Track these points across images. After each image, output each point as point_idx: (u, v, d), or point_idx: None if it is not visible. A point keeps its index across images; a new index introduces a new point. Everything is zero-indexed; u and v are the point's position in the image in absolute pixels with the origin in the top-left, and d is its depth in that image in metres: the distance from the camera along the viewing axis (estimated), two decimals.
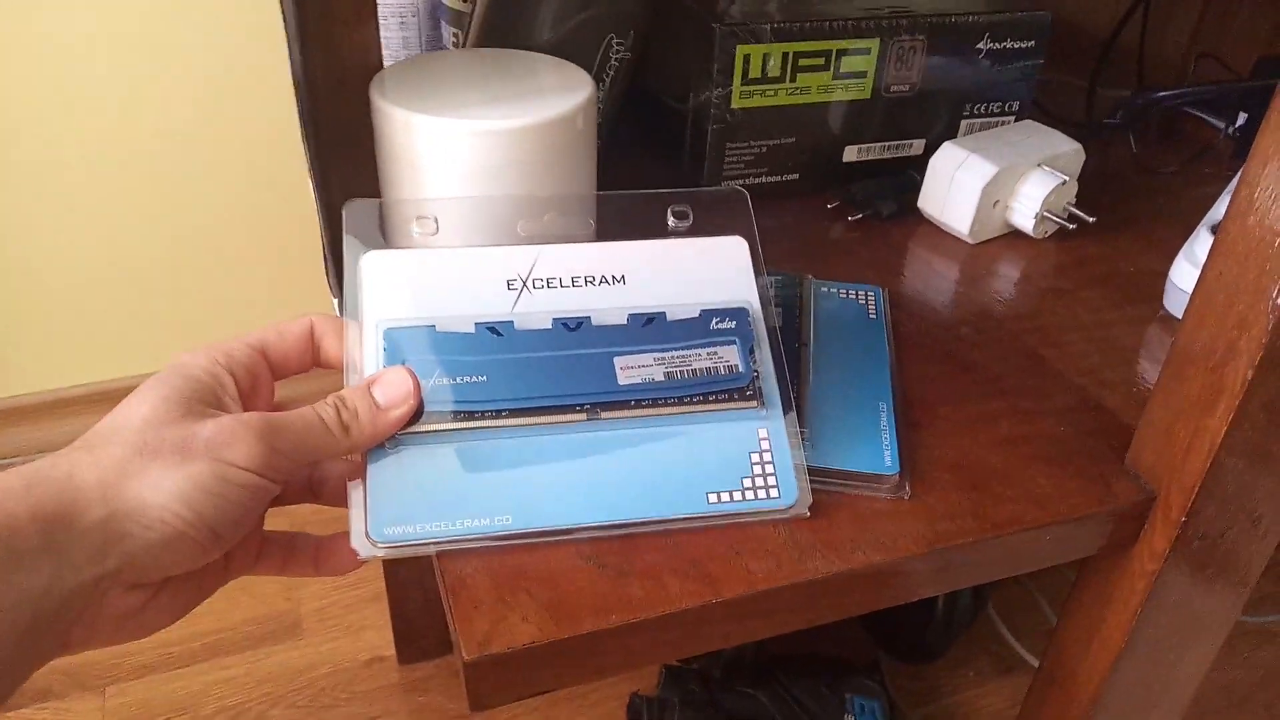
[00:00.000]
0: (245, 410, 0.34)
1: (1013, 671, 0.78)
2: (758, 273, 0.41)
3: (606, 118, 0.55)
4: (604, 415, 0.37)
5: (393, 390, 0.35)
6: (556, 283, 0.39)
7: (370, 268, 0.39)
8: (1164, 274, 0.53)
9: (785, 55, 0.56)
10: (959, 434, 0.43)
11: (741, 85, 0.56)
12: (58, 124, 0.85)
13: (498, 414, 0.36)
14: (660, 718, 0.66)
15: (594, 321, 0.39)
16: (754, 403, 0.38)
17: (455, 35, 0.64)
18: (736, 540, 0.36)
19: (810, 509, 0.37)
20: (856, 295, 0.50)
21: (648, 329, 0.39)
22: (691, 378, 0.38)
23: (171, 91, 0.86)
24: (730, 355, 0.38)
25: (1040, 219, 0.57)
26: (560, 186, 0.46)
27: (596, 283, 0.40)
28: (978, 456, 0.42)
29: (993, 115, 0.63)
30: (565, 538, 0.35)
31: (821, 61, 0.57)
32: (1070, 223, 0.58)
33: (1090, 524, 0.40)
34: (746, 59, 0.56)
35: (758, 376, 0.38)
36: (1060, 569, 0.76)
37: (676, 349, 0.38)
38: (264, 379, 0.36)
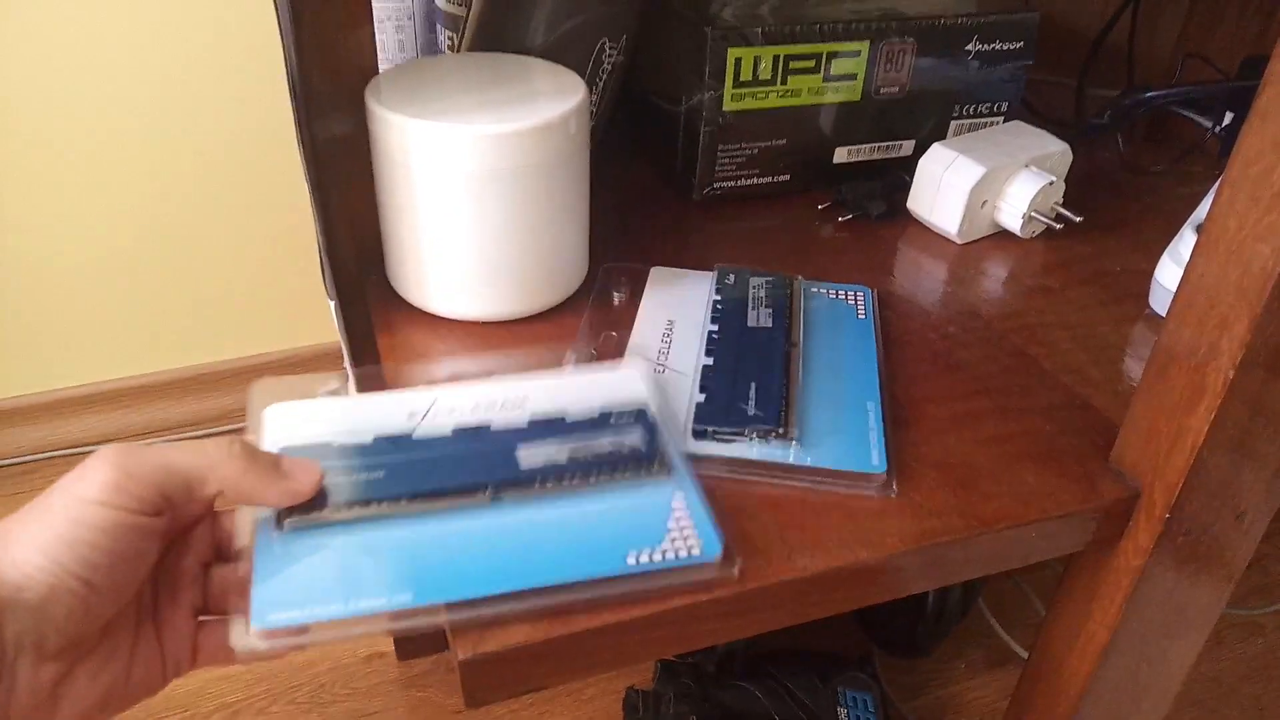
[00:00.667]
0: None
1: (1004, 665, 0.79)
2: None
3: (599, 121, 0.56)
4: (508, 495, 0.36)
5: (298, 464, 0.34)
6: (460, 410, 0.39)
7: (272, 417, 0.39)
8: (1150, 273, 0.54)
9: (776, 58, 0.57)
10: (946, 432, 0.43)
11: (733, 88, 0.57)
12: (52, 121, 0.85)
13: (395, 500, 0.35)
14: (655, 712, 0.67)
15: (494, 428, 0.39)
16: (663, 474, 0.37)
17: (450, 39, 0.64)
18: (728, 538, 0.37)
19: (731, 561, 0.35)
20: (846, 296, 0.51)
21: (549, 426, 0.39)
22: (595, 459, 0.37)
23: (167, 90, 0.87)
24: (633, 438, 0.39)
25: (1028, 219, 0.58)
26: (554, 189, 0.46)
27: (498, 407, 0.40)
28: (964, 454, 0.42)
29: (981, 116, 0.64)
30: (474, 612, 0.32)
31: (812, 64, 0.58)
32: (1057, 223, 0.58)
33: (1075, 521, 0.41)
34: (738, 62, 0.56)
35: (664, 454, 0.38)
36: (1050, 563, 0.77)
37: (578, 439, 0.38)
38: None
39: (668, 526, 0.35)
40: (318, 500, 0.34)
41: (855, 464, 0.40)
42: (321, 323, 1.02)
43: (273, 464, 0.34)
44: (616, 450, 0.38)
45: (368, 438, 0.38)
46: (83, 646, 0.30)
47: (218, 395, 1.03)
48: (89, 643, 0.30)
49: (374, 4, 0.66)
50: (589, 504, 0.36)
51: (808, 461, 0.40)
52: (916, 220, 0.61)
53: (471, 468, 0.37)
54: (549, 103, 0.45)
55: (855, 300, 0.51)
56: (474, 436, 0.38)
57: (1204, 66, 0.73)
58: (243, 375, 1.03)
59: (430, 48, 0.68)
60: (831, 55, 0.58)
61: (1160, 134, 0.75)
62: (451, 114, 0.44)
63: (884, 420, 0.43)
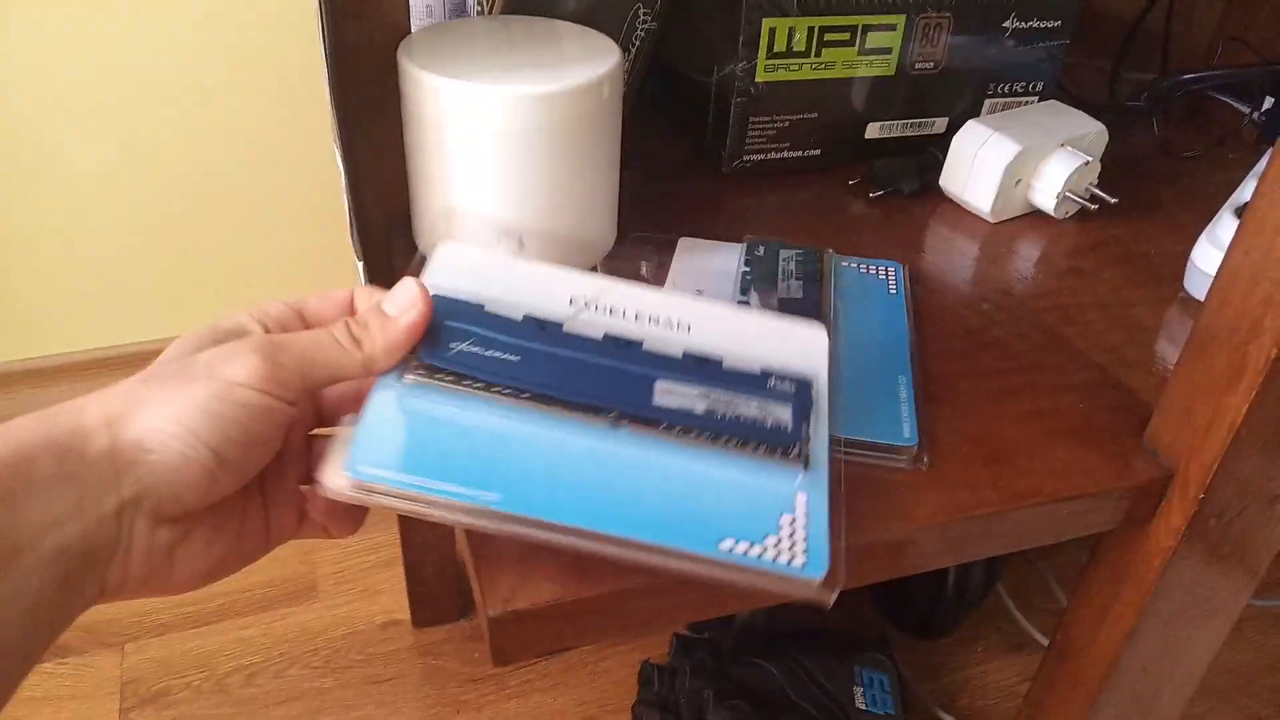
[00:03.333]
0: None
1: (1022, 649, 0.79)
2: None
3: (630, 89, 0.55)
4: (629, 427, 0.34)
5: (401, 298, 0.34)
6: (619, 313, 0.37)
7: (442, 254, 0.38)
8: (1185, 256, 0.53)
9: (811, 29, 0.56)
10: (978, 408, 0.43)
11: (766, 59, 0.56)
12: (73, 80, 0.85)
13: (519, 393, 0.34)
14: (671, 685, 0.67)
15: (645, 347, 0.36)
16: (798, 464, 0.34)
17: (479, 3, 0.64)
18: None
19: (832, 586, 0.32)
20: (877, 270, 0.51)
21: (700, 368, 0.36)
22: (734, 420, 0.35)
23: (198, 47, 0.86)
24: (782, 413, 0.35)
25: (1062, 199, 0.57)
26: (585, 154, 0.46)
27: (659, 324, 0.38)
28: (997, 430, 0.42)
29: (1017, 95, 0.63)
30: (548, 535, 0.31)
31: (847, 37, 0.57)
32: (1092, 203, 0.58)
33: (1108, 499, 0.40)
34: (772, 32, 0.55)
35: (807, 442, 0.35)
36: (1071, 550, 0.77)
37: (725, 390, 0.36)
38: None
39: (778, 524, 0.32)
40: (443, 354, 0.34)
41: (886, 436, 0.40)
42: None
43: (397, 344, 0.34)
44: (760, 419, 0.35)
45: (518, 314, 0.36)
46: (197, 517, 0.31)
47: None
48: (203, 514, 0.31)
49: None
50: (706, 466, 0.33)
51: (839, 432, 0.40)
52: (949, 198, 0.60)
53: (605, 386, 0.35)
54: (582, 66, 0.44)
55: (886, 275, 0.50)
56: (621, 351, 0.36)
57: (1243, 50, 0.71)
58: None
59: (459, 12, 0.68)
60: (867, 28, 0.57)
61: (1197, 118, 0.74)
62: (485, 74, 0.43)
63: (915, 394, 0.42)
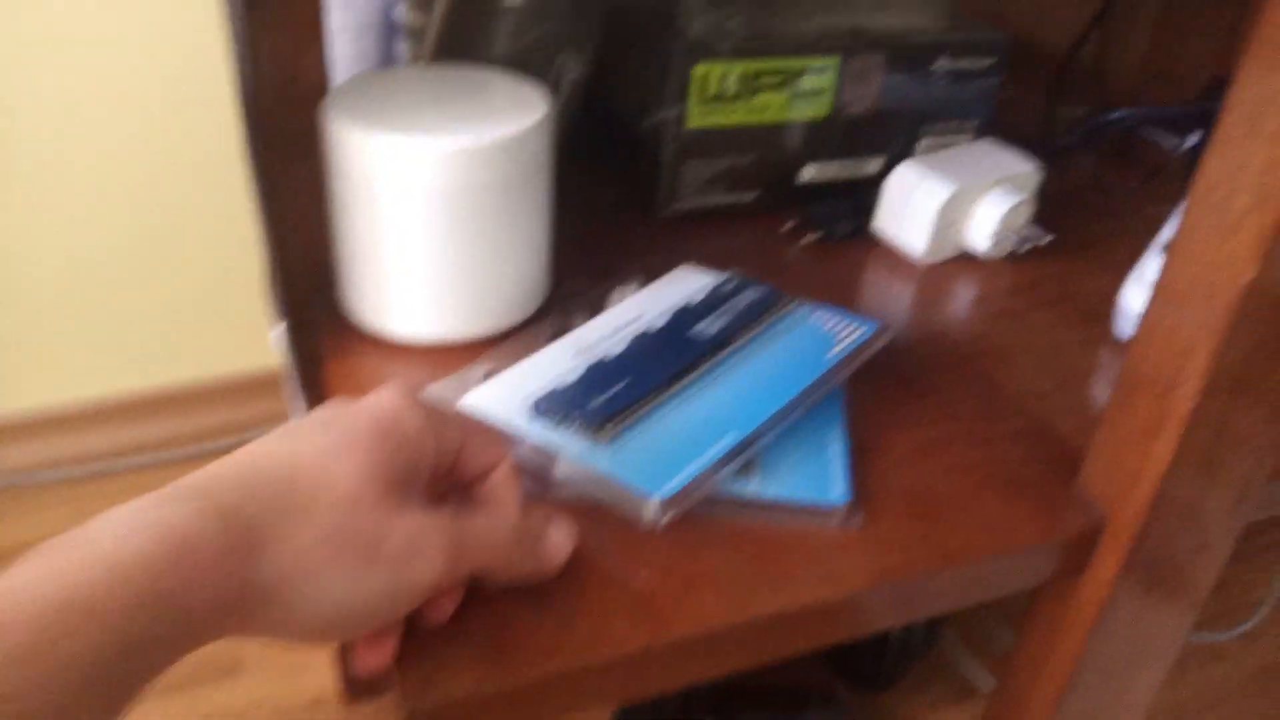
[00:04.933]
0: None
1: (972, 695, 0.78)
2: None
3: (561, 135, 0.54)
4: (711, 361, 0.44)
5: (565, 532, 0.35)
6: (626, 326, 0.46)
7: (485, 403, 0.41)
8: (1117, 295, 0.53)
9: (743, 73, 0.56)
10: (911, 460, 0.43)
11: (699, 104, 0.56)
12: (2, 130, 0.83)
13: (659, 388, 0.42)
14: None
15: (657, 329, 0.46)
16: (793, 305, 0.48)
17: (410, 50, 0.63)
18: (687, 576, 0.36)
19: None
20: (836, 324, 0.48)
21: (687, 312, 0.47)
22: (742, 314, 0.47)
23: (116, 101, 0.85)
24: (751, 293, 0.49)
25: (996, 239, 0.57)
26: (515, 206, 0.45)
27: (645, 319, 0.47)
28: (929, 484, 0.41)
29: (951, 134, 0.63)
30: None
31: (780, 80, 0.57)
32: (1026, 242, 0.58)
33: (1041, 552, 0.40)
34: (704, 76, 0.55)
35: (778, 293, 0.49)
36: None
37: (718, 307, 0.48)
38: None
39: (834, 333, 0.46)
40: (608, 415, 0.40)
41: (817, 495, 0.39)
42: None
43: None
44: (751, 303, 0.48)
45: (583, 363, 0.43)
46: None
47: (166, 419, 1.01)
48: None
49: (333, 14, 0.65)
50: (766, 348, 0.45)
51: (768, 494, 0.39)
52: (884, 240, 0.60)
53: (682, 350, 0.44)
54: (512, 117, 0.44)
55: (849, 332, 0.47)
56: (662, 335, 0.45)
57: (1170, 86, 0.73)
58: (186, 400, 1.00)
59: (389, 59, 0.67)
60: (800, 71, 0.57)
61: (1131, 152, 0.75)
62: (410, 128, 0.42)
63: (848, 449, 0.42)
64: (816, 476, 0.40)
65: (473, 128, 0.43)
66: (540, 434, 0.39)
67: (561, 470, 0.39)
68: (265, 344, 1.01)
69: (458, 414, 0.34)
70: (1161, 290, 0.37)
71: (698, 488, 0.37)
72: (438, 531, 0.29)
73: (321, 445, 0.29)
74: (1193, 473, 0.38)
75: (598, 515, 0.38)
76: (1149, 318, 0.37)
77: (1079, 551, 0.41)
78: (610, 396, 0.41)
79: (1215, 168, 0.34)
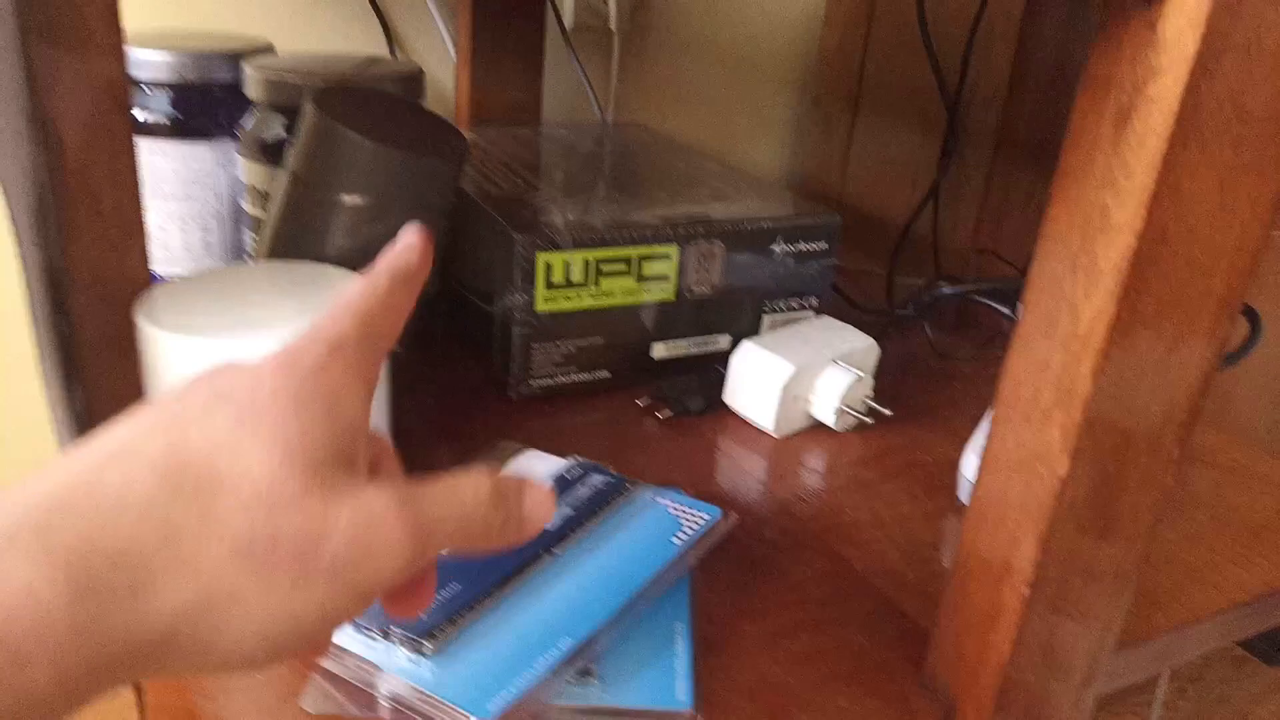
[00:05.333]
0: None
1: None
2: None
3: (407, 325, 0.54)
4: (555, 552, 0.43)
5: (540, 496, 0.27)
6: None
7: None
8: (958, 463, 0.55)
9: (587, 262, 0.57)
10: (758, 653, 0.42)
11: (545, 290, 0.57)
12: None
13: (486, 594, 0.40)
14: None
15: None
16: (636, 491, 0.48)
17: (255, 241, 0.62)
18: None
19: None
20: (683, 512, 0.47)
21: None
22: (586, 503, 0.47)
23: None
24: (595, 480, 0.49)
25: (840, 413, 0.58)
26: None
27: None
28: (776, 678, 0.40)
29: (793, 310, 0.66)
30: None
31: (624, 267, 0.58)
32: (869, 417, 0.59)
33: None
34: (548, 266, 0.56)
35: (625, 482, 0.49)
36: None
37: (565, 492, 0.47)
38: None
39: (679, 521, 0.46)
40: (434, 626, 0.38)
41: (660, 700, 0.37)
42: None
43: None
44: (594, 492, 0.47)
45: None
46: None
47: None
48: None
49: (179, 204, 0.64)
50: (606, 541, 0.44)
51: (608, 701, 0.37)
52: (736, 414, 0.61)
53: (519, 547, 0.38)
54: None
55: (692, 517, 0.47)
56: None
57: (997, 262, 0.78)
58: None
59: (237, 249, 0.66)
60: (643, 258, 0.59)
61: (967, 320, 0.79)
62: (228, 329, 0.41)
63: (693, 644, 0.40)
64: (659, 680, 0.38)
65: (290, 328, 0.42)
66: (362, 647, 0.37)
67: (386, 687, 0.36)
68: None
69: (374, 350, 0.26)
70: (984, 481, 0.38)
71: (530, 702, 0.35)
72: (392, 514, 0.23)
73: (217, 426, 0.22)
74: (1036, 663, 0.38)
75: None
76: (974, 505, 0.38)
77: None
78: (437, 604, 0.38)
79: (1018, 364, 0.35)
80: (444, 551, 0.25)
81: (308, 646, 0.23)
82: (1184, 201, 0.30)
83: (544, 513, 0.27)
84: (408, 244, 0.29)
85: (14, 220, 0.41)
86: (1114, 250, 0.31)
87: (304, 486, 0.22)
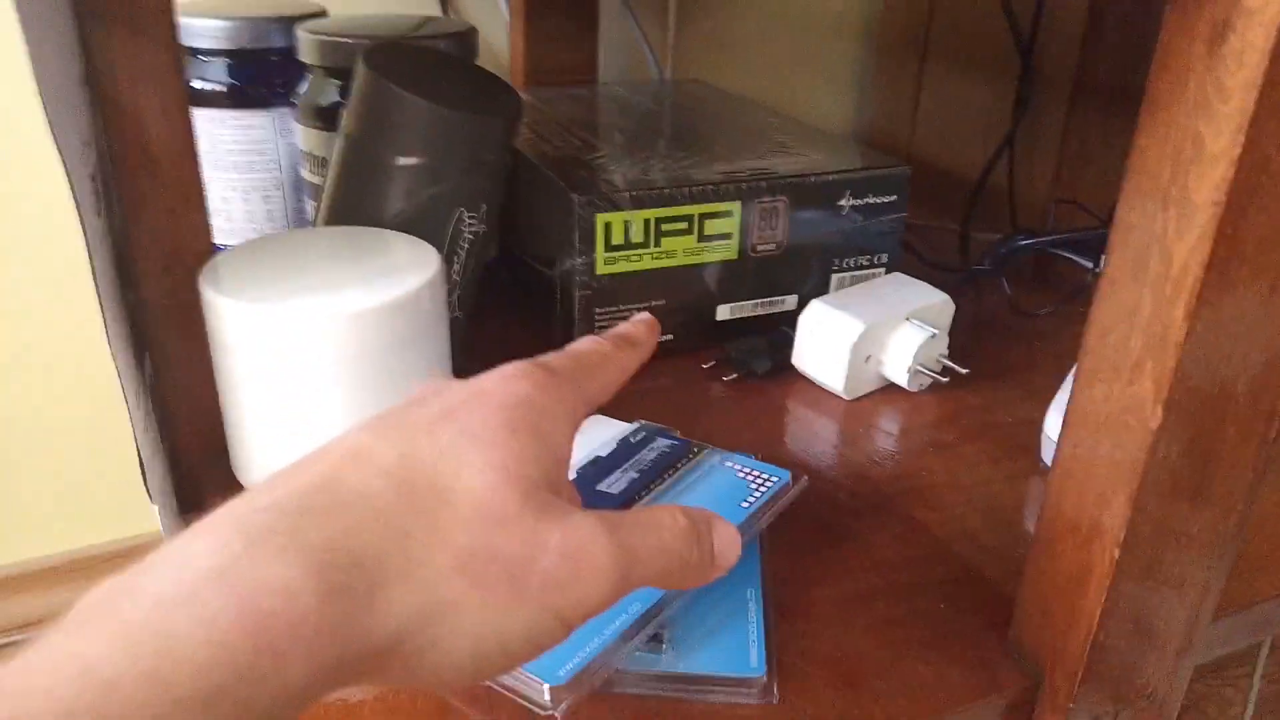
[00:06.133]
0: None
1: None
2: None
3: (465, 290, 0.53)
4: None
5: (728, 538, 0.27)
6: None
7: None
8: (1041, 423, 0.52)
9: (647, 221, 0.56)
10: (833, 619, 0.40)
11: (605, 252, 0.55)
12: None
13: None
14: None
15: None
16: (704, 452, 0.46)
17: (316, 208, 0.62)
18: None
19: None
20: (753, 475, 0.46)
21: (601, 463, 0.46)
22: (652, 466, 0.45)
23: None
24: (662, 442, 0.48)
25: (913, 373, 0.56)
26: (408, 367, 0.43)
27: None
28: (852, 645, 0.39)
29: (863, 268, 0.63)
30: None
31: (685, 226, 0.57)
32: (944, 375, 0.57)
33: (974, 716, 0.37)
34: (608, 227, 0.55)
35: (692, 444, 0.48)
36: None
37: (633, 459, 0.46)
38: None
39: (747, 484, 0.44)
40: None
41: (732, 667, 0.36)
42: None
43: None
44: (660, 455, 0.46)
45: None
46: None
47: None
48: None
49: (240, 175, 0.64)
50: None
51: (679, 668, 0.36)
52: (804, 375, 0.59)
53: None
54: (397, 279, 0.42)
55: (761, 481, 0.45)
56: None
57: (1077, 211, 0.74)
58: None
59: (299, 217, 0.66)
60: (704, 216, 0.57)
61: (1045, 276, 0.76)
62: (291, 295, 0.41)
63: (765, 611, 0.39)
64: (731, 646, 0.37)
65: (357, 291, 0.41)
66: None
67: None
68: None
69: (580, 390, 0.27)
70: (1070, 437, 0.35)
71: (598, 668, 0.35)
72: (600, 540, 0.23)
73: (443, 442, 0.23)
74: (1127, 627, 0.36)
75: (497, 701, 0.34)
76: (1059, 465, 0.36)
77: (1016, 712, 0.39)
78: None
79: (1106, 312, 0.33)
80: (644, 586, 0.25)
81: (508, 669, 0.23)
82: None
83: (733, 554, 0.27)
84: (641, 317, 0.31)
85: (74, 190, 0.41)
86: (1209, 182, 0.28)
87: (519, 507, 0.22)
